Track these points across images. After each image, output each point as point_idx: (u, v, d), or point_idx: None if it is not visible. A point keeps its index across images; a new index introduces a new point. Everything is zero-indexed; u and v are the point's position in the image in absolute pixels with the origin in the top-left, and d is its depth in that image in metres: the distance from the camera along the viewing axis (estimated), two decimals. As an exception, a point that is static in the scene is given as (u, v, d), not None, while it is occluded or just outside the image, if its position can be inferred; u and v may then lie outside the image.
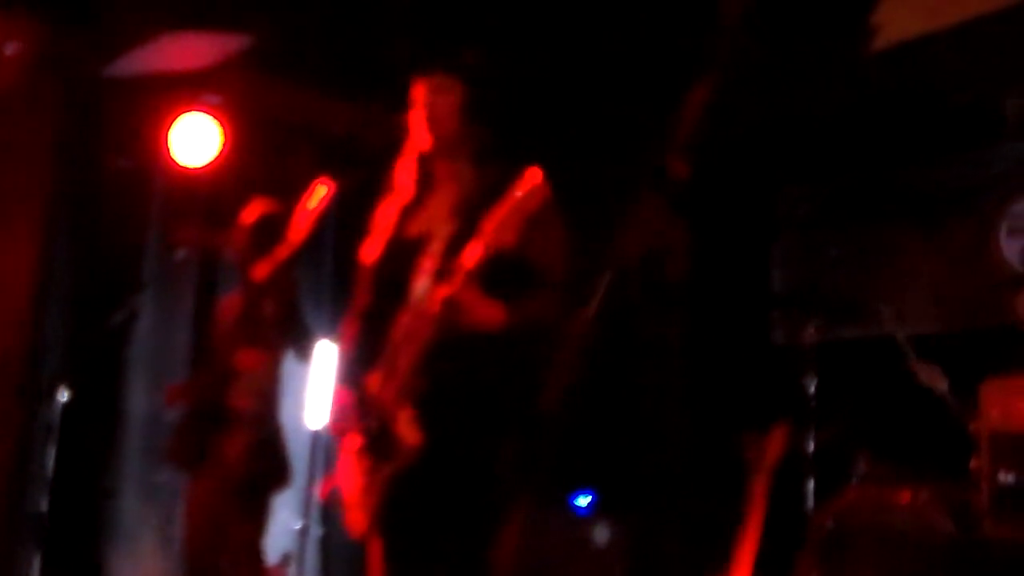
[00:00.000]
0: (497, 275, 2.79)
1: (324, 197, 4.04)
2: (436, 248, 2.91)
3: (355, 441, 2.93)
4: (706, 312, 5.62)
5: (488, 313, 2.82)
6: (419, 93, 3.01)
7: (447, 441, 2.81)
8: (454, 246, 2.84)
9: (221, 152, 5.33)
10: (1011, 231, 5.12)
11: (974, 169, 5.33)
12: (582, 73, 5.03)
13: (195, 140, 5.29)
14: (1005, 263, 5.09)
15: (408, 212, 3.05)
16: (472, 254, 2.76)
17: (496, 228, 2.73)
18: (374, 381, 2.92)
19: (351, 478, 2.92)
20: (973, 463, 3.50)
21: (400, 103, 3.03)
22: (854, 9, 5.15)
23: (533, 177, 2.75)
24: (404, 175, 3.09)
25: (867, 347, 5.02)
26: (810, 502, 4.41)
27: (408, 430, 2.82)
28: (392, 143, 3.10)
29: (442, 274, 2.83)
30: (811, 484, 4.44)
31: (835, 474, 4.36)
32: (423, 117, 2.99)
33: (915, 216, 5.37)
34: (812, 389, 4.56)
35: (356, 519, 2.89)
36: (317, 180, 4.03)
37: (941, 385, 4.11)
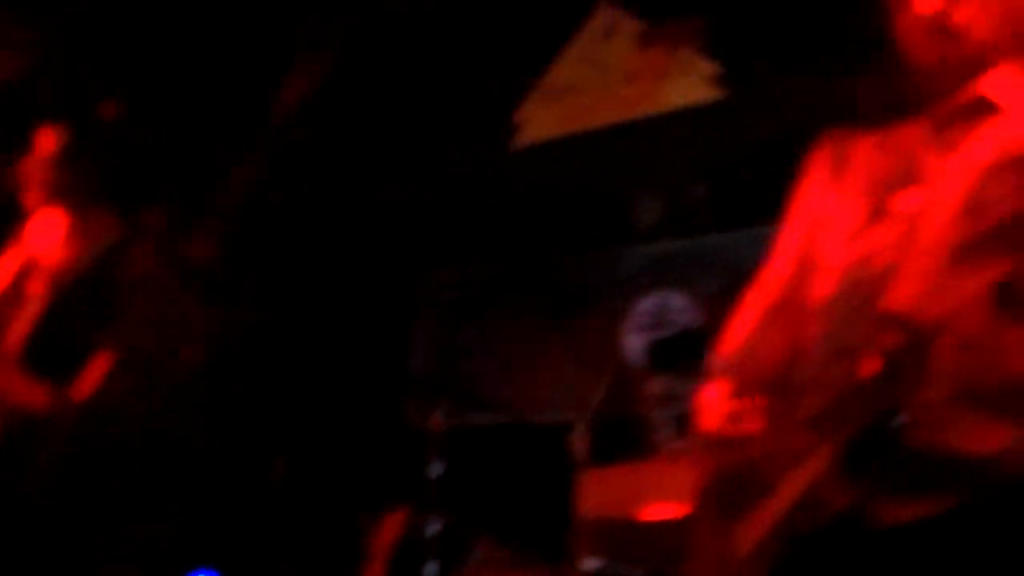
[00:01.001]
0: (52, 351, 2.63)
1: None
2: (27, 313, 2.73)
3: None
4: (338, 394, 5.58)
5: (30, 394, 2.62)
6: (40, 142, 2.87)
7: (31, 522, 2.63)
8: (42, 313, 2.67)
9: None
10: (634, 328, 5.41)
11: (604, 267, 5.63)
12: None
13: None
14: (628, 358, 5.37)
15: (24, 269, 2.87)
16: (18, 327, 2.59)
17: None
18: None
19: None
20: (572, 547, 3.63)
21: (31, 150, 2.87)
22: (498, 108, 5.40)
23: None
24: (27, 228, 2.93)
25: (495, 433, 5.13)
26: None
27: None
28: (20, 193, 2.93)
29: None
30: (431, 569, 4.45)
31: (455, 559, 4.39)
32: (40, 167, 2.86)
33: (549, 308, 5.58)
34: (438, 473, 4.59)
35: None
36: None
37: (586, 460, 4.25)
